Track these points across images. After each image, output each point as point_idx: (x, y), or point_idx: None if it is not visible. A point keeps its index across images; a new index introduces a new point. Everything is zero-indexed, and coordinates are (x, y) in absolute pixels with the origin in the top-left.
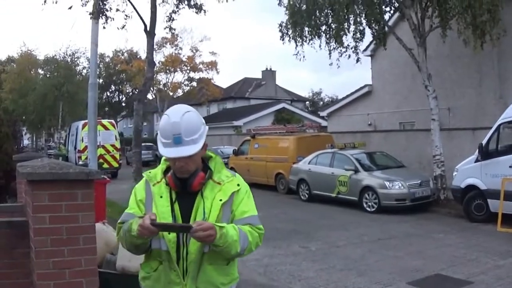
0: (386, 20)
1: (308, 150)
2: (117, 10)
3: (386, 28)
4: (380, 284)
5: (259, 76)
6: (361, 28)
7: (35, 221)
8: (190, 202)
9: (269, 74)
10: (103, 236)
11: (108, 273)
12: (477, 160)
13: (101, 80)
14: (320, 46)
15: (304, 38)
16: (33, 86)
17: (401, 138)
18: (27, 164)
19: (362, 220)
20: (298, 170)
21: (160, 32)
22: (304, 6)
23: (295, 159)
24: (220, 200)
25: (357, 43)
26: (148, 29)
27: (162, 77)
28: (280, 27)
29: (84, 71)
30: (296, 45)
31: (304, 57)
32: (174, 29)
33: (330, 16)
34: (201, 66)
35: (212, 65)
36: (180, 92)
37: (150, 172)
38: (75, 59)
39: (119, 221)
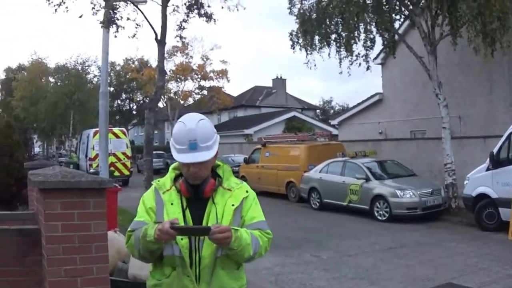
0: (396, 28)
1: (319, 159)
2: (128, 19)
3: (396, 36)
4: None
5: (270, 84)
6: (371, 36)
7: (47, 229)
8: (201, 208)
9: (279, 82)
10: (115, 244)
11: (119, 281)
12: (488, 169)
13: (112, 89)
14: (329, 54)
15: (314, 46)
16: (44, 94)
17: (412, 146)
18: (39, 172)
19: (373, 228)
20: (309, 178)
21: (171, 40)
22: (314, 14)
23: (306, 168)
24: (233, 205)
25: (367, 52)
26: (158, 38)
27: (173, 86)
28: (290, 36)
29: (95, 79)
30: (307, 54)
31: (315, 65)
32: (185, 38)
33: (340, 24)
34: (211, 74)
35: (223, 74)
36: (190, 101)
37: (159, 181)
38: (86, 68)
39: (129, 229)
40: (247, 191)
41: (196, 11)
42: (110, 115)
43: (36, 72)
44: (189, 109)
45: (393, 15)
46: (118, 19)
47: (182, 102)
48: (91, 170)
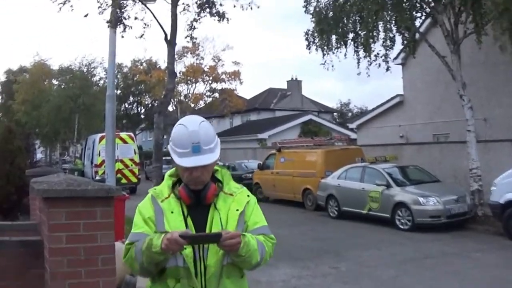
0: (417, 26)
1: (337, 164)
2: (136, 18)
3: (418, 35)
4: None
5: (285, 86)
6: (391, 35)
7: (51, 241)
8: (203, 215)
9: (294, 84)
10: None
11: None
12: None
13: (119, 91)
14: (345, 55)
15: (331, 46)
16: (47, 97)
17: (435, 150)
18: (42, 180)
19: (395, 238)
20: (327, 185)
21: (181, 41)
22: (331, 13)
23: (324, 174)
24: (237, 210)
25: (387, 51)
26: (168, 38)
27: (183, 88)
28: (306, 35)
29: (101, 82)
30: (323, 54)
31: (332, 66)
32: (195, 38)
33: (358, 23)
34: (223, 76)
35: (235, 75)
36: (201, 104)
37: (155, 189)
38: (92, 70)
39: (127, 242)
40: (248, 196)
41: (207, 10)
42: (117, 119)
43: (39, 74)
44: (200, 113)
45: (414, 12)
46: (125, 19)
47: (192, 105)
48: (97, 178)
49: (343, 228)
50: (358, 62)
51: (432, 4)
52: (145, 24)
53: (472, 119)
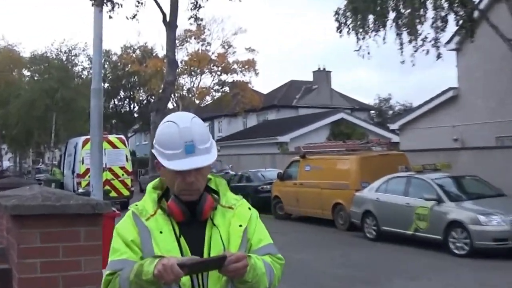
0: (476, 2)
1: (375, 174)
2: None
3: (476, 14)
4: None
5: (310, 78)
6: (442, 14)
7: (22, 269)
8: (199, 234)
9: (322, 75)
10: None
11: None
12: None
13: (107, 85)
14: (384, 39)
15: (367, 29)
16: (17, 91)
17: (498, 157)
18: (10, 194)
19: (448, 266)
20: (363, 199)
21: (183, 23)
22: None
23: (359, 186)
24: (240, 225)
25: (437, 34)
26: (167, 19)
27: (185, 81)
28: (336, 15)
29: (85, 72)
30: (358, 38)
31: (368, 53)
32: (201, 20)
33: None
34: (235, 66)
35: (250, 65)
36: (208, 99)
37: (137, 205)
38: (73, 58)
39: (107, 272)
40: (249, 208)
41: None
42: (105, 119)
43: (6, 63)
44: (207, 111)
45: None
46: None
47: (197, 101)
48: (80, 190)
49: (383, 252)
50: (401, 48)
51: None
52: (139, 2)
53: None
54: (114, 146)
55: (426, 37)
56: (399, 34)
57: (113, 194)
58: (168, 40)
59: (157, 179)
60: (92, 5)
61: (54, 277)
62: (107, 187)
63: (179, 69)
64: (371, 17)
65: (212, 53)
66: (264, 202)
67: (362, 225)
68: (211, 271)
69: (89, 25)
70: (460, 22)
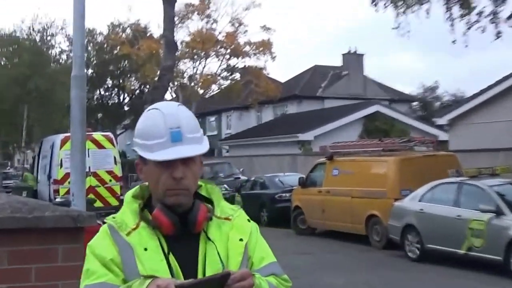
0: None
1: (419, 179)
2: None
3: None
4: None
5: (338, 63)
6: None
7: None
8: (191, 250)
9: (353, 59)
10: None
11: None
12: None
13: (91, 71)
14: (428, 12)
15: (410, 1)
16: None
17: None
18: None
19: None
20: (403, 211)
21: None
22: None
23: (398, 194)
24: (241, 239)
25: (496, 7)
26: None
27: (186, 66)
28: None
29: (63, 56)
30: (397, 13)
31: (409, 31)
32: None
33: None
34: (247, 48)
35: (265, 47)
36: (215, 89)
37: (114, 217)
38: (48, 38)
39: None
40: (248, 220)
41: None
42: (88, 113)
43: None
44: (212, 102)
45: None
46: None
47: (201, 91)
48: (58, 199)
49: (428, 275)
50: (452, 25)
51: None
52: None
53: None
54: (99, 145)
55: (482, 11)
56: (448, 8)
57: (98, 203)
58: (165, 16)
59: (137, 186)
60: None
61: None
62: (91, 196)
63: (179, 52)
64: None
65: (219, 33)
66: (282, 214)
67: (402, 242)
68: None
69: None
70: None
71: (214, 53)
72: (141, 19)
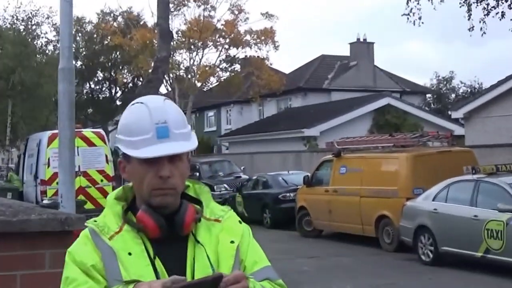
0: None
1: (432, 177)
2: None
3: None
4: None
5: (346, 52)
6: None
7: None
8: (179, 253)
9: (362, 48)
10: None
11: None
12: None
13: (79, 63)
14: None
15: None
16: None
17: None
18: None
19: None
20: (416, 211)
21: None
22: None
23: (411, 193)
24: (232, 242)
25: None
26: None
27: (183, 57)
28: None
29: (50, 47)
30: None
31: (420, 18)
32: None
33: None
34: (248, 37)
35: (267, 36)
36: (213, 81)
37: (96, 221)
38: (33, 27)
39: None
40: (240, 222)
41: None
42: (77, 108)
43: None
44: (211, 96)
45: None
46: None
47: (198, 84)
48: (45, 201)
49: (442, 280)
50: (469, 11)
51: None
52: None
53: None
54: (90, 143)
55: None
56: None
57: (89, 205)
58: (159, 3)
59: (120, 188)
60: None
61: None
62: (81, 197)
63: (175, 42)
64: None
65: (218, 21)
66: (286, 215)
67: (415, 244)
68: None
69: None
70: None
71: (212, 43)
72: (133, 7)
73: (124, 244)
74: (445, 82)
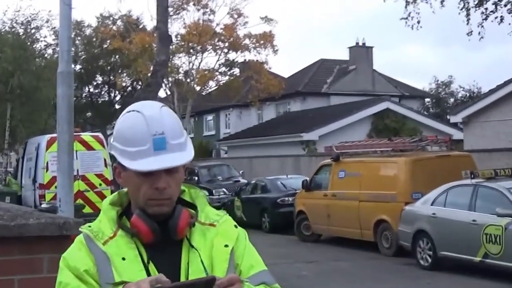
0: None
1: (431, 182)
2: None
3: None
4: None
5: (345, 56)
6: None
7: None
8: (173, 258)
9: (361, 53)
10: None
11: None
12: None
13: (79, 67)
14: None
15: None
16: None
17: None
18: None
19: None
20: (415, 215)
21: None
22: None
23: (409, 197)
24: (226, 246)
25: None
26: None
27: (182, 61)
28: None
29: (49, 51)
30: (407, 2)
31: (419, 22)
32: None
33: None
34: (247, 41)
35: (266, 40)
36: (212, 85)
37: (90, 226)
38: (33, 31)
39: None
40: (235, 226)
41: None
42: (76, 112)
43: None
44: (210, 100)
45: None
46: None
47: (197, 88)
48: (44, 205)
49: (441, 285)
50: (467, 15)
51: None
52: None
53: None
54: (88, 147)
55: (499, 0)
56: None
57: (87, 209)
58: (158, 7)
59: (115, 193)
60: None
61: None
62: (80, 201)
63: (174, 46)
64: None
65: (217, 25)
66: (285, 220)
67: (413, 249)
68: None
69: None
70: None
71: (211, 46)
72: (132, 10)
73: (118, 249)
74: (444, 87)
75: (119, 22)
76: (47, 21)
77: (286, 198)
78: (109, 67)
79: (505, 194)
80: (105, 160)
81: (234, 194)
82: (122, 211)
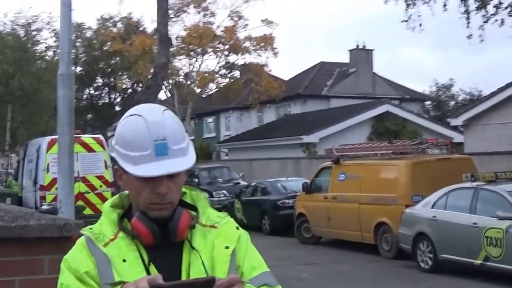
0: None
1: (432, 184)
2: None
3: None
4: None
5: (345, 59)
6: None
7: None
8: (174, 260)
9: (362, 55)
10: None
11: None
12: None
13: (79, 69)
14: (445, 5)
15: None
16: None
17: None
18: None
19: None
20: (415, 218)
21: None
22: None
23: (410, 200)
24: (227, 247)
25: None
26: None
27: (182, 63)
28: None
29: (50, 53)
30: (407, 5)
31: (420, 25)
32: None
33: None
34: (247, 43)
35: (266, 42)
36: (212, 87)
37: (91, 228)
38: (33, 33)
39: None
40: (237, 228)
41: None
42: (77, 113)
43: None
44: (210, 102)
45: None
46: None
47: (198, 90)
48: (44, 207)
49: (442, 287)
50: (467, 18)
51: None
52: None
53: None
54: (89, 149)
55: (500, 3)
56: (464, 0)
57: (88, 211)
58: (159, 9)
59: (116, 195)
60: None
61: None
62: (80, 203)
63: (174, 48)
64: None
65: (218, 27)
66: (285, 222)
67: (414, 252)
68: None
69: None
70: None
71: (211, 49)
72: (133, 13)
73: (119, 251)
74: (444, 89)
75: (119, 25)
76: (48, 23)
77: (287, 201)
78: (109, 69)
79: (505, 197)
80: (105, 162)
81: (235, 196)
82: (123, 213)
